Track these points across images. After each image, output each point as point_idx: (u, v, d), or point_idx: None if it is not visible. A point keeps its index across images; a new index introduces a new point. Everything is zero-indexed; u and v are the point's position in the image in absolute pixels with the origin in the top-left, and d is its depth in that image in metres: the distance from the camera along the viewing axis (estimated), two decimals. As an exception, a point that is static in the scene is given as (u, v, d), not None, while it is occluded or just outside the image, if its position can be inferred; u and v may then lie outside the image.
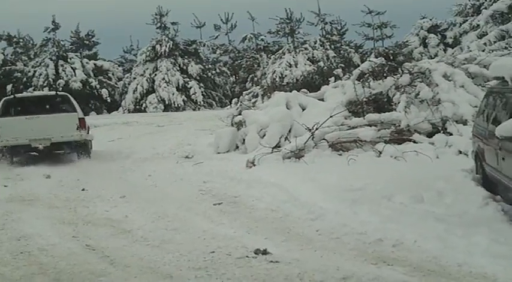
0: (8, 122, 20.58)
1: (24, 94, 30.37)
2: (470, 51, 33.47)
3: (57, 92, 25.57)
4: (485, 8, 46.47)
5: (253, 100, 31.25)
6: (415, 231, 9.22)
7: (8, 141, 20.44)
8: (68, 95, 23.31)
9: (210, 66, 59.48)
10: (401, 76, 19.12)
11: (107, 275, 8.30)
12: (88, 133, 22.13)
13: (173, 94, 52.09)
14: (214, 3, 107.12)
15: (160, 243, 9.82)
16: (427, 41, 55.23)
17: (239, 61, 62.85)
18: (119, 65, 67.21)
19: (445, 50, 52.91)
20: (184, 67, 56.02)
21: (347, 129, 17.80)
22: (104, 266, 8.72)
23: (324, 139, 17.54)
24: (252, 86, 49.35)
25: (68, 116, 21.12)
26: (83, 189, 15.18)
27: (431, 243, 8.70)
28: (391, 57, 21.85)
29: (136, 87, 54.06)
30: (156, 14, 58.45)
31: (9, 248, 9.83)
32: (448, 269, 7.90)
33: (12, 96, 23.63)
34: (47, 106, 22.24)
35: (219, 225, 10.96)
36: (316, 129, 17.63)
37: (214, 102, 56.94)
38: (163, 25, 58.52)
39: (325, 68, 45.95)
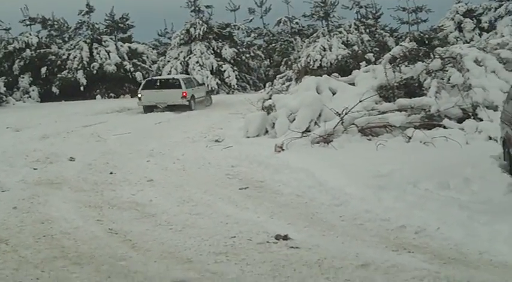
0: (146, 92, 36.28)
1: (155, 77, 43.10)
2: (503, 36, 33.11)
3: (174, 77, 42.03)
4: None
5: (286, 84, 31.25)
6: (439, 218, 9.17)
7: (145, 102, 35.99)
8: (179, 78, 38.70)
9: (244, 49, 59.40)
10: (432, 61, 18.95)
11: (127, 259, 8.34)
12: (190, 100, 36.09)
13: (207, 77, 51.95)
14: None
15: (183, 228, 9.84)
16: (462, 25, 54.80)
17: (273, 44, 62.80)
18: (153, 48, 67.40)
19: (480, 35, 52.45)
20: (218, 50, 56.02)
21: (377, 114, 17.68)
22: (125, 250, 8.76)
23: (353, 124, 17.44)
24: (286, 69, 49.25)
25: (176, 90, 35.99)
26: (111, 173, 15.25)
27: (453, 231, 8.65)
28: (426, 42, 21.69)
29: (170, 71, 54.10)
30: (190, -3, 58.46)
31: (33, 231, 9.90)
32: (469, 256, 7.85)
33: (150, 78, 43.63)
34: (166, 84, 37.60)
35: (243, 210, 10.96)
36: (346, 113, 17.53)
37: (248, 86, 56.95)
38: (197, 8, 58.51)
39: (360, 52, 45.71)
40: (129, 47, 60.10)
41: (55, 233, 9.79)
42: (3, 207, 11.75)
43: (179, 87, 36.26)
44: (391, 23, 61.19)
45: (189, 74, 48.64)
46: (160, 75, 52.11)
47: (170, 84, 37.31)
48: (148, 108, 35.70)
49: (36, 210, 11.43)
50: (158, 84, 37.82)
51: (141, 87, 37.78)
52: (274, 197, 11.98)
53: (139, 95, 36.48)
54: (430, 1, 76.12)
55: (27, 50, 56.69)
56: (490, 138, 15.13)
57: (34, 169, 16.02)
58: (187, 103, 35.72)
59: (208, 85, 49.34)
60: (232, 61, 55.75)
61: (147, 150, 18.89)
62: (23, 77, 55.67)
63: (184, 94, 35.54)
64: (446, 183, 11.10)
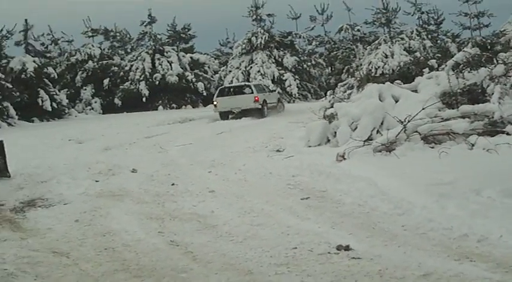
0: (221, 99, 38.76)
1: (227, 85, 47.34)
2: None
3: (245, 83, 44.49)
4: None
5: (348, 92, 31.17)
6: (502, 226, 9.02)
7: (221, 109, 38.30)
8: (250, 84, 41.98)
9: (305, 57, 59.48)
10: (495, 66, 18.68)
11: (188, 271, 8.35)
12: (262, 104, 38.13)
13: (268, 86, 52.09)
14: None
15: (244, 239, 9.83)
16: (525, 29, 53.90)
17: (335, 52, 62.84)
18: (215, 58, 67.94)
19: (544, 39, 51.56)
20: (280, 59, 56.20)
21: (440, 122, 17.48)
22: (186, 262, 8.78)
23: (416, 131, 17.25)
24: (348, 77, 49.20)
25: (249, 95, 38.47)
26: (172, 184, 15.32)
27: (516, 239, 8.49)
28: (489, 47, 21.38)
29: (232, 80, 54.39)
30: (251, 6, 58.84)
31: (94, 244, 10.00)
32: (533, 265, 7.70)
33: (222, 86, 45.92)
34: (239, 90, 40.36)
35: (304, 221, 10.89)
36: (409, 121, 17.35)
37: (309, 94, 56.99)
38: (259, 17, 58.78)
39: (422, 58, 45.36)
40: (191, 58, 60.68)
41: (116, 245, 9.87)
42: (65, 220, 11.91)
43: (251, 92, 38.79)
44: (453, 28, 60.59)
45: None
46: (222, 85, 52.56)
47: (243, 90, 40.10)
48: (224, 114, 38.20)
49: (98, 223, 11.55)
50: (231, 91, 40.79)
51: (215, 95, 40.48)
52: (335, 206, 11.89)
53: (214, 103, 39.10)
54: (492, 6, 75.34)
55: (90, 62, 57.71)
56: (555, 144, 14.84)
57: (96, 181, 16.19)
58: (259, 107, 37.90)
59: (278, 92, 50.00)
60: (293, 70, 55.88)
61: (208, 161, 18.96)
62: (85, 89, 56.67)
63: (256, 98, 37.84)
64: (509, 190, 10.89)
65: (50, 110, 45.89)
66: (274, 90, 47.51)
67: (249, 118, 36.55)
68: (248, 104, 37.88)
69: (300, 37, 62.68)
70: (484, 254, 8.25)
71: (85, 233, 10.84)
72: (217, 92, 41.30)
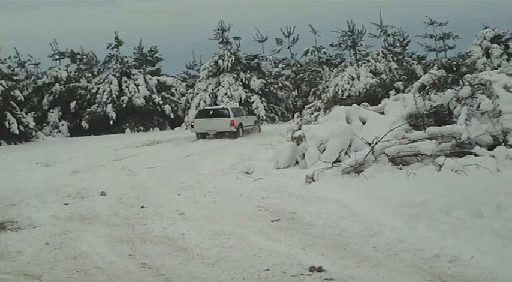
0: (199, 121, 40.54)
1: (206, 107, 46.73)
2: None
3: (223, 107, 44.02)
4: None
5: (315, 114, 31.36)
6: (473, 246, 9.11)
7: (198, 130, 40.10)
8: (227, 108, 42.06)
9: (272, 80, 59.64)
10: (461, 88, 18.88)
11: (160, 294, 8.34)
12: (237, 126, 39.81)
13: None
14: (276, 17, 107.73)
15: (216, 261, 9.80)
16: (490, 51, 54.48)
17: (301, 74, 63.08)
18: (182, 81, 68.10)
19: (508, 60, 52.16)
20: (247, 81, 56.32)
21: (407, 143, 17.61)
22: (158, 284, 8.76)
23: (384, 153, 17.37)
24: (314, 99, 49.48)
25: (225, 119, 39.65)
26: (142, 207, 15.24)
27: (488, 259, 8.58)
28: (454, 69, 21.57)
29: (199, 103, 54.49)
30: (218, 29, 58.88)
31: (66, 267, 9.92)
32: (505, 285, 7.77)
33: (203, 108, 47.56)
34: (216, 113, 41.29)
35: (276, 242, 10.89)
36: (376, 143, 17.48)
37: (276, 117, 57.17)
38: (225, 40, 58.86)
39: (388, 80, 45.73)
40: (158, 80, 60.79)
41: (88, 268, 9.80)
42: (36, 243, 11.79)
43: (228, 115, 40.14)
44: (419, 50, 61.27)
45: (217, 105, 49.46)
46: (189, 108, 52.91)
47: (220, 113, 41.23)
48: (201, 135, 40.31)
49: (69, 246, 11.45)
50: (209, 113, 42.01)
51: (194, 116, 44.29)
52: (306, 228, 11.91)
53: (192, 123, 41.62)
54: (458, 28, 76.32)
55: (57, 85, 57.56)
56: (522, 164, 15.02)
57: (65, 204, 16.04)
58: (235, 130, 39.67)
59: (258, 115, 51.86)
60: (260, 92, 56.02)
61: (177, 184, 18.91)
62: (52, 112, 56.44)
63: (232, 122, 39.58)
64: (479, 211, 11.02)
65: (17, 133, 45.56)
66: (252, 114, 49.41)
67: (218, 140, 37.49)
68: (224, 127, 39.53)
69: (266, 60, 62.79)
70: (456, 275, 8.33)
71: (56, 255, 10.75)
72: (196, 113, 44.57)
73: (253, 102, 54.00)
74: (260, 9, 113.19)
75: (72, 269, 9.75)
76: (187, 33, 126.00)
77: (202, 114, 42.58)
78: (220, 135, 39.49)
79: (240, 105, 52.72)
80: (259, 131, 44.42)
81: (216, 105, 51.84)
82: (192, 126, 41.18)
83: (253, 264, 9.42)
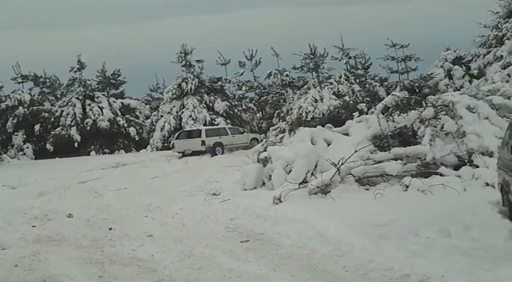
0: (177, 141, 44.66)
1: (186, 129, 49.72)
2: (494, 82, 33.37)
3: (198, 128, 47.59)
4: (508, 39, 46.44)
5: (280, 135, 31.44)
6: (442, 265, 9.17)
7: (177, 149, 44.17)
8: (201, 129, 45.86)
9: (236, 102, 59.51)
10: (425, 109, 19.10)
11: (133, 315, 8.33)
12: (211, 145, 43.25)
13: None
14: (238, 40, 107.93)
15: (186, 283, 9.81)
16: (452, 72, 55.02)
17: (265, 97, 63.03)
18: (146, 103, 67.87)
19: (470, 82, 52.71)
20: (211, 104, 56.19)
21: (373, 164, 17.77)
22: (129, 306, 8.75)
23: (350, 174, 17.52)
24: (279, 121, 49.57)
25: (197, 139, 43.46)
26: (110, 229, 15.21)
27: (457, 278, 8.64)
28: (417, 90, 21.84)
29: (163, 125, 54.33)
30: (181, 52, 58.70)
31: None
32: (475, 304, 7.86)
33: (182, 130, 49.32)
34: (190, 134, 45.30)
35: (245, 263, 10.93)
36: (342, 164, 17.62)
37: (241, 138, 57.05)
38: (188, 63, 58.69)
39: (351, 102, 45.98)
40: (122, 103, 60.64)
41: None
42: (4, 265, 11.75)
43: (199, 136, 44.05)
44: (381, 72, 61.53)
45: (182, 128, 49.71)
46: (154, 130, 53.13)
47: (194, 134, 45.35)
48: (182, 154, 44.02)
49: (38, 268, 11.42)
50: (186, 134, 46.28)
51: (174, 137, 47.06)
52: (275, 249, 11.96)
53: (172, 143, 45.86)
54: (419, 50, 76.97)
55: (20, 108, 57.09)
56: (487, 184, 15.21)
57: (33, 226, 15.99)
58: (204, 149, 43.42)
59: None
60: (225, 114, 55.89)
61: (144, 205, 18.92)
62: (16, 135, 55.97)
63: (203, 142, 43.40)
64: (447, 230, 11.15)
65: (-18, 155, 45.26)
66: (244, 132, 50.39)
67: (183, 162, 38.25)
68: (196, 147, 43.54)
69: (229, 82, 62.68)
70: (427, 294, 8.40)
71: (25, 277, 10.73)
72: (176, 134, 47.47)
73: (217, 124, 53.87)
74: (221, 35, 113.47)
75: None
76: (150, 57, 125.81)
77: (181, 135, 46.29)
78: (197, 152, 43.16)
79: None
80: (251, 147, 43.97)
81: (214, 125, 52.26)
82: (173, 146, 45.17)
83: (224, 286, 9.44)
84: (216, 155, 42.99)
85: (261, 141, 44.27)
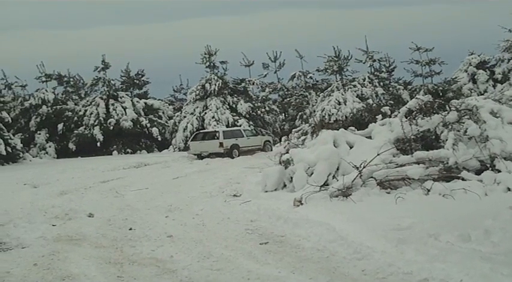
0: (193, 143, 44.21)
1: (202, 131, 48.56)
2: (518, 87, 33.23)
3: (215, 130, 46.70)
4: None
5: (302, 138, 31.32)
6: (461, 270, 9.12)
7: (193, 151, 43.62)
8: (218, 130, 44.88)
9: (259, 104, 59.53)
10: (448, 113, 18.98)
11: (150, 316, 8.32)
12: (228, 147, 42.91)
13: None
14: (262, 42, 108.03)
15: (204, 284, 9.79)
16: (476, 77, 54.92)
17: (288, 99, 63.10)
18: (169, 104, 68.10)
19: (494, 86, 52.53)
20: (234, 105, 56.29)
21: (395, 167, 17.67)
22: (147, 306, 8.74)
23: (371, 177, 17.43)
24: (302, 123, 49.56)
25: (215, 141, 43.04)
26: (130, 229, 15.23)
27: (477, 283, 8.58)
28: (441, 94, 21.69)
29: (186, 126, 54.49)
30: (205, 54, 58.81)
31: (55, 288, 9.90)
32: (494, 309, 7.79)
33: (197, 131, 49.07)
34: (208, 136, 44.53)
35: (264, 265, 10.88)
36: (364, 167, 17.54)
37: (264, 140, 57.05)
38: (212, 64, 58.82)
39: (374, 105, 45.89)
40: (145, 103, 60.86)
41: (77, 289, 9.79)
42: (24, 263, 11.75)
43: (217, 138, 43.39)
44: (405, 75, 61.47)
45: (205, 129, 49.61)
46: (176, 131, 53.25)
47: (211, 135, 44.55)
48: (199, 156, 43.19)
49: (57, 267, 11.41)
50: (202, 135, 45.22)
51: (190, 138, 46.72)
52: (295, 251, 11.90)
53: (188, 145, 46.10)
54: (443, 54, 76.75)
55: (44, 107, 57.48)
56: (509, 189, 15.07)
57: (53, 225, 16.02)
58: (222, 151, 42.71)
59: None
60: (247, 116, 55.97)
61: (165, 206, 18.91)
62: (39, 133, 56.34)
63: (221, 144, 42.83)
64: (467, 235, 11.07)
65: (5, 154, 45.45)
66: (260, 134, 50.87)
67: (205, 162, 38.47)
68: (214, 149, 42.90)
69: (253, 84, 62.70)
70: (446, 298, 8.34)
71: (44, 276, 10.73)
72: (192, 135, 47.11)
73: (240, 125, 54.01)
74: (245, 37, 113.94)
75: (61, 290, 9.73)
76: (174, 58, 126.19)
77: (197, 137, 45.38)
78: (216, 154, 42.64)
79: (227, 128, 52.82)
80: (271, 150, 44.38)
81: (236, 126, 52.61)
82: (189, 148, 45.03)
83: (242, 287, 9.41)
84: (233, 158, 42.22)
85: (274, 143, 45.32)
